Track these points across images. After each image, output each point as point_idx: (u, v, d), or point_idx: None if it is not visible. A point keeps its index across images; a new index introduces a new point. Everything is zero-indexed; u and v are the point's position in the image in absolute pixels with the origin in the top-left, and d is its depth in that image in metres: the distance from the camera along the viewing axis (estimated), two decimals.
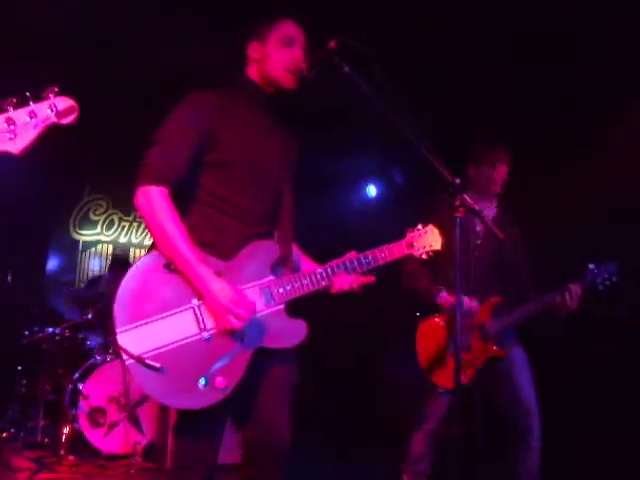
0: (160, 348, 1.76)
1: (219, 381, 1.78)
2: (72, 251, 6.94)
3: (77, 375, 4.48)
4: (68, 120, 1.50)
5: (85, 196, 7.07)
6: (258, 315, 1.89)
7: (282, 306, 1.95)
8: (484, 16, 3.96)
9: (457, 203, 1.85)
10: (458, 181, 1.87)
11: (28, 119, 1.42)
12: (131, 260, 7.17)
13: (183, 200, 1.92)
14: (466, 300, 2.95)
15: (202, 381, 1.77)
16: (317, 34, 2.08)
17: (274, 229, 2.07)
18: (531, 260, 3.20)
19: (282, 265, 2.01)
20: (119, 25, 4.32)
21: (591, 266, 3.00)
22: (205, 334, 1.81)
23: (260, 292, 1.92)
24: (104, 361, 4.50)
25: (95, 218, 7.08)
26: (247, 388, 1.86)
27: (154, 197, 1.85)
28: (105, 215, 7.13)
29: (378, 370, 5.79)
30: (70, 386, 4.44)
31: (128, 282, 1.80)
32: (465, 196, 1.85)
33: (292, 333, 1.94)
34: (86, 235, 7.03)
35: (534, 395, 2.96)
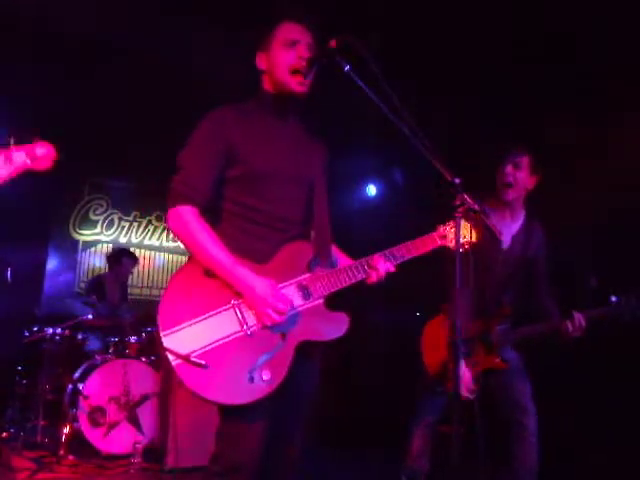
0: (205, 347, 1.80)
1: (265, 374, 1.81)
2: (72, 251, 6.95)
3: (77, 375, 4.48)
4: (43, 166, 1.68)
5: (85, 196, 7.07)
6: (298, 310, 1.93)
7: (321, 300, 1.98)
8: (484, 16, 3.96)
9: (457, 203, 1.85)
10: (458, 181, 1.86)
11: (2, 162, 1.62)
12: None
13: (214, 216, 1.98)
14: (466, 375, 2.86)
15: (248, 376, 1.80)
16: (318, 33, 2.08)
17: (308, 231, 2.11)
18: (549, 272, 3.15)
19: (318, 264, 2.04)
20: (120, 27, 4.32)
21: (614, 299, 2.89)
22: (247, 330, 1.85)
23: (297, 288, 1.96)
24: (104, 361, 4.50)
25: (95, 218, 7.09)
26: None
27: (185, 216, 1.90)
28: (105, 215, 7.14)
29: (378, 370, 5.80)
30: (70, 386, 4.45)
31: (169, 290, 1.85)
32: (465, 196, 1.84)
33: (333, 326, 1.97)
34: (86, 235, 7.03)
35: (529, 394, 2.96)
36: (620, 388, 3.89)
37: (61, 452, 4.21)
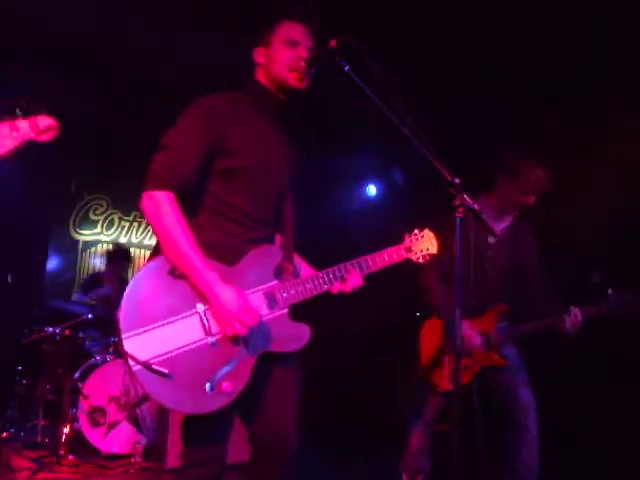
0: (167, 353, 1.76)
1: (225, 385, 1.79)
2: (72, 251, 6.95)
3: (77, 375, 4.48)
4: (45, 137, 1.72)
5: (85, 196, 7.07)
6: (263, 319, 1.90)
7: (286, 310, 1.96)
8: (483, 15, 3.96)
9: (457, 203, 1.85)
10: (458, 181, 1.86)
11: (8, 132, 1.69)
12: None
13: (189, 204, 1.93)
14: (467, 328, 2.91)
15: (208, 386, 1.77)
16: (319, 34, 2.08)
17: (275, 232, 2.10)
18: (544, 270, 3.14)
19: (285, 269, 2.02)
20: (120, 26, 4.32)
21: (610, 292, 2.85)
22: (211, 339, 1.82)
23: (264, 297, 1.93)
24: (104, 361, 4.50)
25: (95, 218, 7.09)
26: (254, 390, 1.88)
27: (160, 202, 1.83)
28: (105, 215, 7.14)
29: (378, 370, 5.80)
30: (70, 386, 4.44)
31: (134, 288, 1.80)
32: (465, 196, 1.84)
33: (296, 337, 1.95)
34: (86, 235, 7.03)
35: (530, 394, 2.96)
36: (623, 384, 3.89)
37: (61, 452, 4.20)
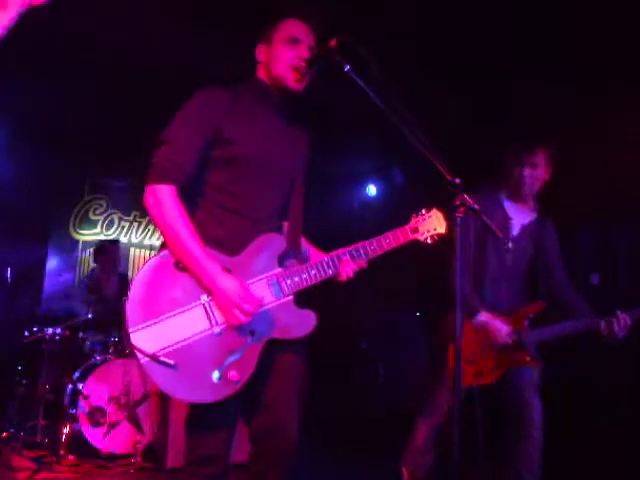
0: (173, 345, 1.79)
1: (232, 374, 1.81)
2: (72, 251, 6.95)
3: (77, 375, 4.49)
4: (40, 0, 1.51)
5: (85, 196, 7.08)
6: (267, 307, 1.91)
7: (291, 297, 1.96)
8: (483, 14, 3.96)
9: (457, 203, 1.84)
10: (458, 181, 1.86)
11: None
12: (130, 258, 7.20)
13: (191, 197, 1.95)
14: (502, 326, 2.86)
15: (216, 375, 1.80)
16: (321, 34, 2.08)
17: (282, 222, 2.09)
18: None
19: (290, 257, 2.03)
20: (119, 26, 4.32)
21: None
22: (216, 329, 1.84)
23: (268, 284, 1.94)
24: (104, 361, 4.50)
25: (95, 218, 7.09)
26: (257, 380, 1.89)
27: (163, 196, 1.87)
28: (105, 215, 7.14)
29: (378, 369, 5.80)
30: (70, 386, 4.45)
31: (139, 281, 1.83)
32: (465, 195, 1.83)
33: (301, 324, 1.96)
34: (86, 235, 7.03)
35: (536, 388, 2.94)
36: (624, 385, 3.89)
37: (61, 452, 4.21)
